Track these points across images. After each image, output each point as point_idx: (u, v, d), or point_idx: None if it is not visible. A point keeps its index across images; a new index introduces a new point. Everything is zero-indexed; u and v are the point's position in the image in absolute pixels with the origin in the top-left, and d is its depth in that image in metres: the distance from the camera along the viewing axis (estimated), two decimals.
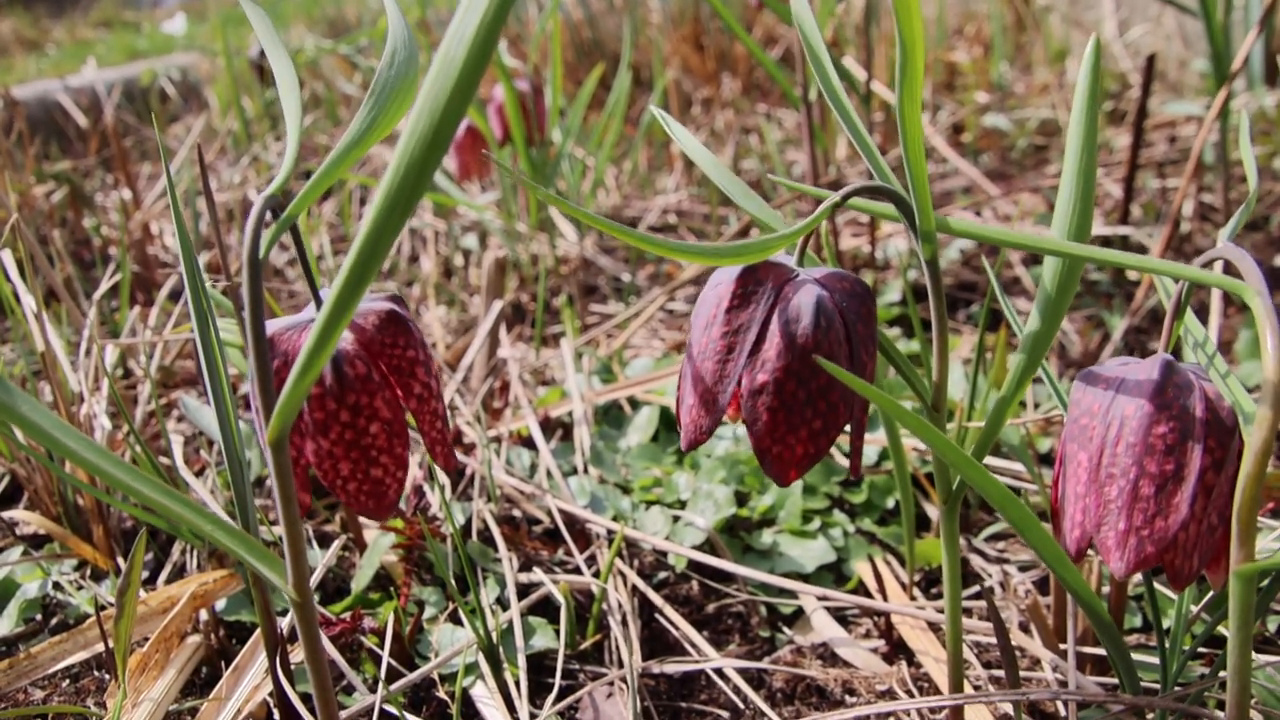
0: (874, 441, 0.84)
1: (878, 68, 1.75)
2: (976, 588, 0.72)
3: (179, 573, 0.75)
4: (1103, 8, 1.84)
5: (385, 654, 0.62)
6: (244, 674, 0.61)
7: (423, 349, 0.43)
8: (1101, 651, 0.60)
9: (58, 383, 0.74)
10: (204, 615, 0.67)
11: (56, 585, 0.73)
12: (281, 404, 0.36)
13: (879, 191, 0.44)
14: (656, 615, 0.71)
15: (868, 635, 0.69)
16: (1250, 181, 0.47)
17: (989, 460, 0.82)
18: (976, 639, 0.67)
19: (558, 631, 0.67)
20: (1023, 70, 2.00)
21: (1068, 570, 0.44)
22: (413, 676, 0.61)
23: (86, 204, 1.55)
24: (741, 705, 0.62)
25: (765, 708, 0.61)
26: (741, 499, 0.80)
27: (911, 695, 0.62)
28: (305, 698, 0.60)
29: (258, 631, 0.62)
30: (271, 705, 0.60)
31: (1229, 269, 0.46)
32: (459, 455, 0.85)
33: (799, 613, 0.71)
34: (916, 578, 0.73)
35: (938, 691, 0.62)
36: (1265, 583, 0.46)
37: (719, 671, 0.65)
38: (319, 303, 0.43)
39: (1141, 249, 1.17)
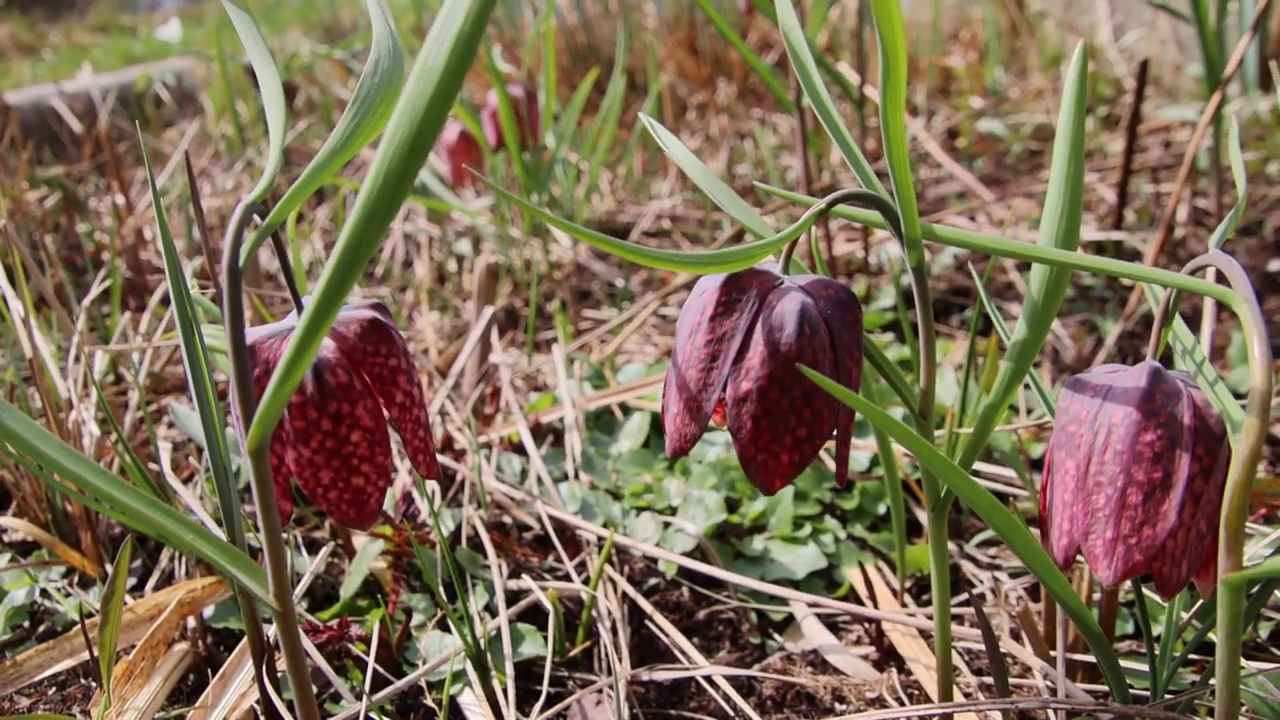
0: (865, 447, 0.83)
1: (871, 72, 1.74)
2: (967, 594, 0.72)
3: (167, 579, 0.74)
4: (1097, 13, 1.84)
5: (371, 661, 0.62)
6: (230, 682, 0.61)
7: (405, 357, 0.43)
8: (1093, 659, 0.59)
9: (46, 389, 0.74)
10: (191, 622, 0.66)
11: (44, 592, 0.73)
12: (261, 412, 0.36)
13: (865, 199, 0.44)
14: (646, 622, 0.70)
15: (858, 642, 0.68)
16: (1239, 187, 0.46)
17: (980, 466, 0.81)
18: (968, 646, 0.66)
19: (546, 638, 0.67)
20: (1018, 75, 2.01)
21: (1055, 579, 0.44)
22: (400, 684, 0.61)
23: (79, 209, 1.54)
24: (731, 713, 0.62)
25: (755, 715, 0.61)
26: (732, 505, 0.80)
27: (902, 703, 0.62)
28: (292, 706, 0.60)
29: (245, 639, 0.61)
30: (259, 713, 0.60)
31: (1220, 275, 0.45)
32: (449, 461, 0.85)
33: (789, 619, 0.71)
34: (908, 584, 0.73)
35: (928, 699, 0.62)
36: (1255, 590, 0.46)
37: (708, 679, 0.64)
38: (301, 310, 0.43)
39: (1135, 254, 1.17)
